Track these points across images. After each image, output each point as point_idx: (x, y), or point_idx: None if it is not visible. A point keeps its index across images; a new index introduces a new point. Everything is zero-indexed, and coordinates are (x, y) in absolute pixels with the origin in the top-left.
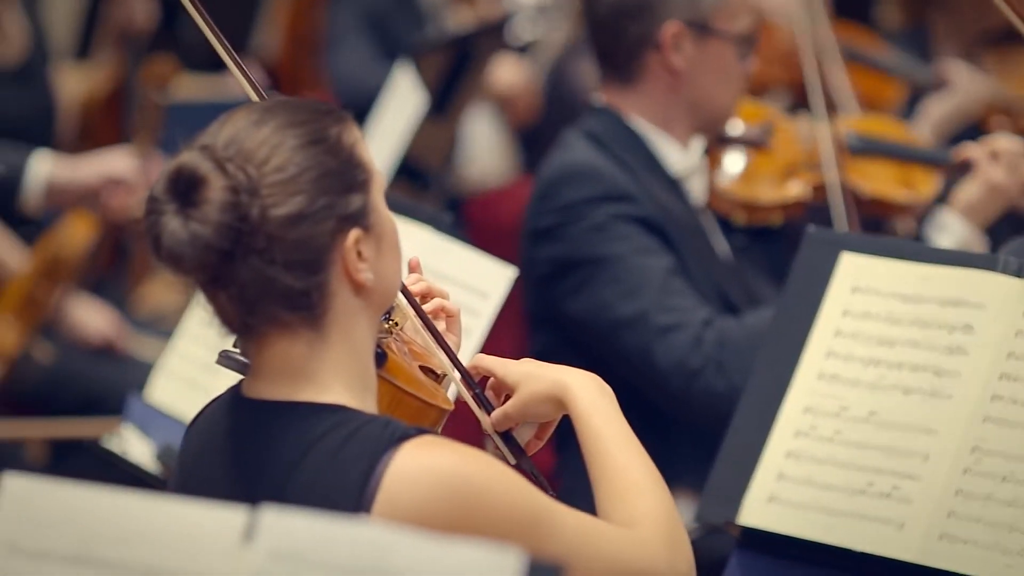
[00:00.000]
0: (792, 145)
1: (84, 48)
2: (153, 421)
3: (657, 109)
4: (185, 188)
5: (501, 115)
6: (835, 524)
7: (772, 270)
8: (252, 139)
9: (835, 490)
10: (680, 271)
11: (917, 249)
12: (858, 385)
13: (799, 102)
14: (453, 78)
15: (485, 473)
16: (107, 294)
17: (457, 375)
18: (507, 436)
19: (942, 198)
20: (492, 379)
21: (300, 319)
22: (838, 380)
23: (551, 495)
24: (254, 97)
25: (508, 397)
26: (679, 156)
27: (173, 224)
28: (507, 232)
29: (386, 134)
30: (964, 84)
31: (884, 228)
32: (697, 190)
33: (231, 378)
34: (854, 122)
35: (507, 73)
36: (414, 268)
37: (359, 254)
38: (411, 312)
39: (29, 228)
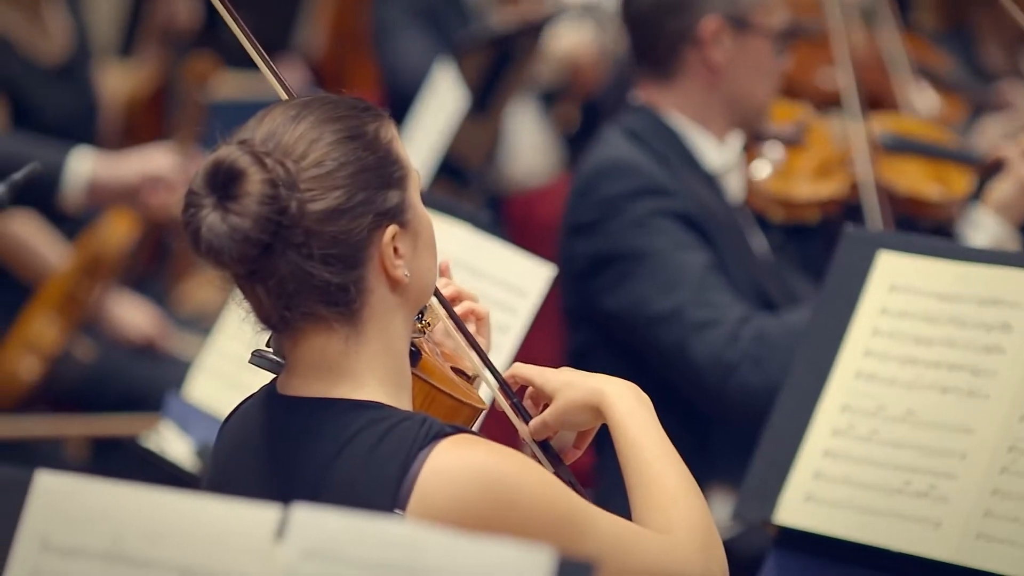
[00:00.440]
0: (826, 144)
1: (128, 46)
2: (192, 418)
3: (695, 105)
4: (224, 182)
5: (546, 114)
6: (872, 523)
7: (809, 268)
8: (290, 134)
9: (872, 489)
10: (718, 267)
11: (955, 248)
12: (895, 384)
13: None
14: (494, 76)
15: (521, 472)
16: (148, 292)
17: (494, 382)
18: (545, 445)
19: (976, 196)
20: (530, 388)
21: (337, 315)
22: (876, 379)
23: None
24: (284, 96)
25: (546, 406)
26: (716, 152)
27: (212, 218)
28: (549, 230)
29: (426, 132)
30: None
31: (917, 226)
32: (734, 187)
33: (269, 376)
34: (887, 121)
35: (570, 35)
36: (444, 272)
37: (395, 250)
38: (443, 313)
39: (69, 225)
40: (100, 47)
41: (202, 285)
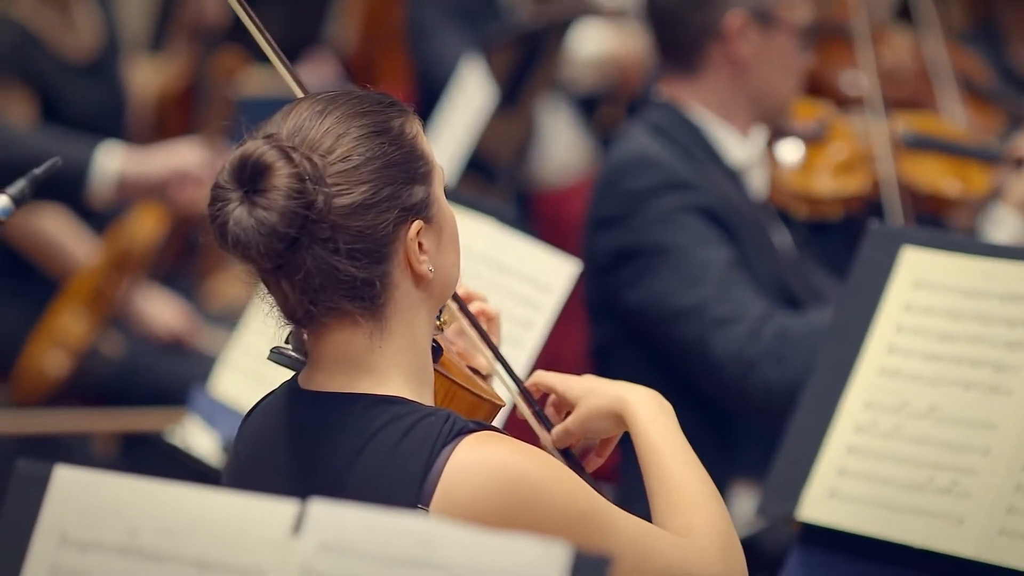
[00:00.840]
0: (848, 141)
1: (158, 41)
2: (217, 414)
3: (719, 99)
4: (251, 175)
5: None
6: (895, 519)
7: (831, 265)
8: (317, 129)
9: (895, 485)
10: (741, 263)
11: (979, 244)
12: (919, 380)
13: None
14: (522, 72)
15: (544, 470)
16: (178, 287)
17: (515, 388)
18: (567, 452)
19: (996, 194)
20: (552, 395)
21: (362, 309)
22: (899, 375)
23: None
24: (300, 94)
25: (568, 413)
26: (739, 147)
27: (239, 211)
28: (579, 227)
29: (454, 128)
30: None
31: (938, 224)
32: (757, 183)
33: (291, 372)
34: (909, 119)
35: (612, 37)
36: None
37: (420, 246)
38: (462, 317)
39: (97, 220)
40: (130, 42)
41: (231, 280)
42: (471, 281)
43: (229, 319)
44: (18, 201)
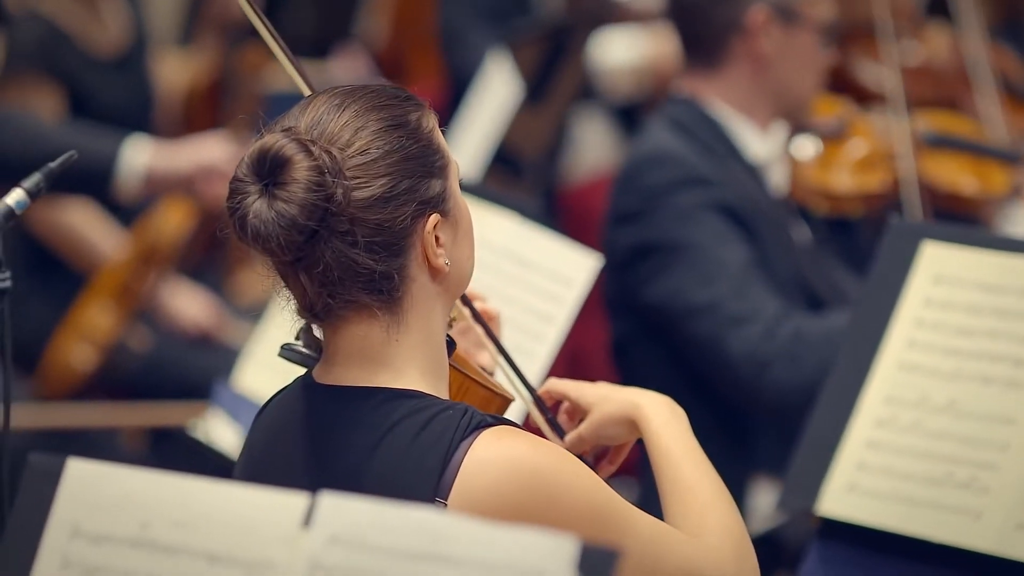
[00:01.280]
0: (868, 138)
1: (188, 35)
2: (241, 407)
3: (740, 94)
4: (270, 168)
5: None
6: (914, 514)
7: (851, 262)
8: (335, 122)
9: (914, 480)
10: (759, 262)
11: (999, 239)
12: (938, 375)
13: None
14: (549, 67)
15: (562, 466)
16: (206, 281)
17: (528, 397)
18: (581, 459)
19: (1016, 193)
20: (566, 403)
21: (379, 303)
22: (919, 370)
23: None
24: (307, 91)
25: (581, 420)
26: (759, 143)
27: (258, 204)
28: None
29: (480, 123)
30: None
31: (959, 223)
32: (777, 179)
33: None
34: (929, 118)
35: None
36: None
37: (437, 239)
38: (471, 318)
39: (124, 214)
40: (160, 37)
41: (259, 275)
42: (493, 275)
43: (257, 313)
44: (33, 194)
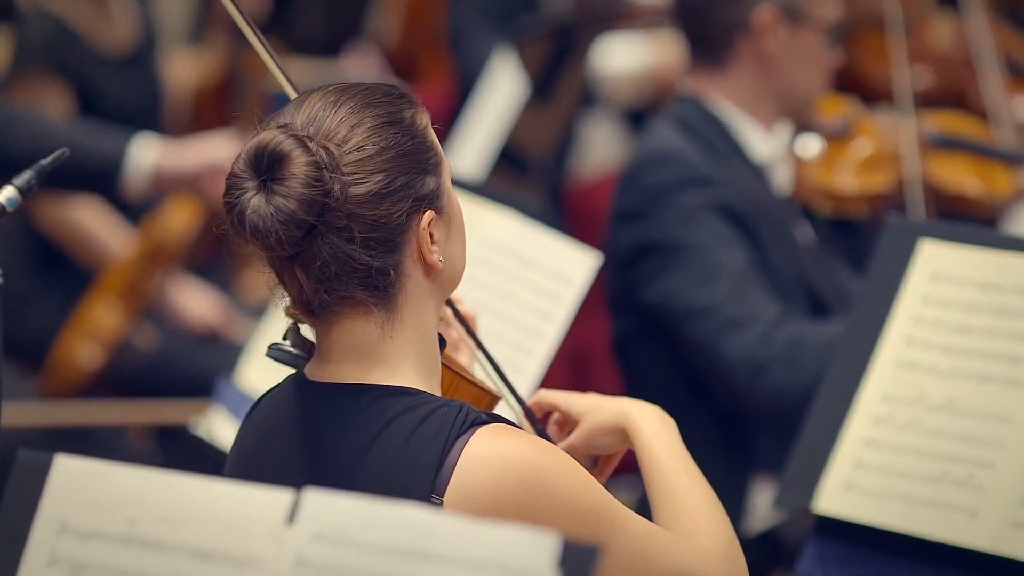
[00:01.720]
0: (873, 138)
1: (198, 33)
2: (244, 405)
3: (745, 94)
4: (268, 164)
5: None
6: (911, 512)
7: (855, 263)
8: (331, 119)
9: (911, 478)
10: (760, 265)
11: (996, 237)
12: (936, 373)
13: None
14: (555, 65)
15: (556, 464)
16: (214, 279)
17: (516, 405)
18: None
19: (1021, 195)
20: (556, 414)
21: (375, 299)
22: (916, 368)
23: None
24: (292, 94)
25: (571, 431)
26: (763, 142)
27: (256, 200)
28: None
29: (485, 120)
30: None
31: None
32: (781, 178)
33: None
34: (935, 118)
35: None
36: None
37: (431, 236)
38: (456, 322)
39: (131, 212)
40: (170, 35)
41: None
42: (492, 273)
43: (264, 311)
44: (24, 192)
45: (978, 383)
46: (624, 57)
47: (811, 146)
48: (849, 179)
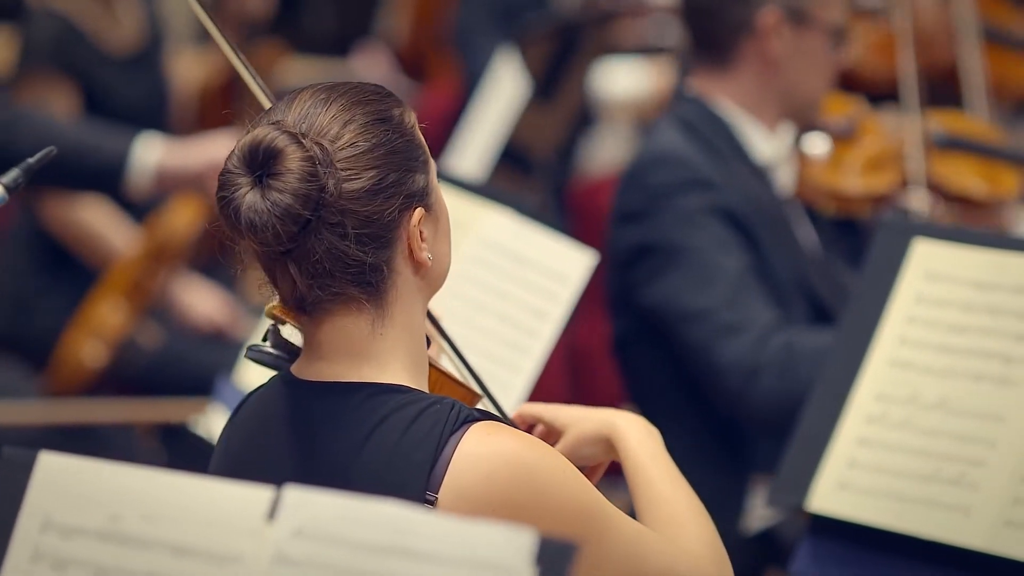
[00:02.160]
0: (878, 138)
1: (203, 33)
2: None
3: (748, 95)
4: (263, 160)
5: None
6: (904, 511)
7: (857, 264)
8: (323, 116)
9: (905, 477)
10: (758, 270)
11: (990, 236)
12: (929, 372)
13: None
14: (559, 64)
15: (549, 463)
16: (220, 278)
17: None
18: None
19: None
20: (540, 426)
21: (367, 295)
22: (910, 367)
23: None
24: (265, 103)
25: (555, 443)
26: (767, 143)
27: (251, 195)
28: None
29: (488, 121)
30: None
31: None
32: (784, 180)
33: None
34: (941, 119)
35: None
36: None
37: (420, 233)
38: (435, 332)
39: (136, 211)
40: (175, 34)
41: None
42: (488, 271)
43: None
44: (11, 190)
45: (972, 382)
46: (624, 81)
47: (817, 145)
48: (854, 179)
